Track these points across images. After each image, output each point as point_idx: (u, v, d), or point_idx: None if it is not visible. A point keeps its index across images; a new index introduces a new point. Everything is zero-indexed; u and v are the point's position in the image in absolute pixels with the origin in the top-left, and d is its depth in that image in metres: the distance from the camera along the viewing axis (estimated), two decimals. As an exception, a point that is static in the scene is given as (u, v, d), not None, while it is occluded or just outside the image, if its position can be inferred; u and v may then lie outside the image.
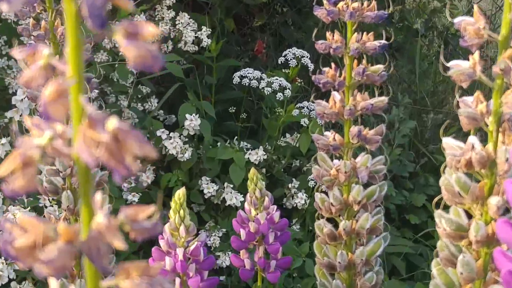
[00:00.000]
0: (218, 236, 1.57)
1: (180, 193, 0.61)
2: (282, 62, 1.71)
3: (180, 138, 1.67)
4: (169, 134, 1.66)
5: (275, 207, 0.69)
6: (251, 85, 1.68)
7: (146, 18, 1.90)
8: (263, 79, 1.68)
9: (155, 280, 0.25)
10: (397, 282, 1.41)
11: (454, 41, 2.15)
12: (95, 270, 0.24)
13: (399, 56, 2.15)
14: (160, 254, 0.58)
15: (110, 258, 0.23)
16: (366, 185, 0.61)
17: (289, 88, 1.66)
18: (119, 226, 0.25)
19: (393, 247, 1.61)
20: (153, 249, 0.58)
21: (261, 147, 1.67)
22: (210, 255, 0.60)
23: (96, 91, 1.64)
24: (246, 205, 0.71)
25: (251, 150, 1.68)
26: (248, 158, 1.64)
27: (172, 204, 0.61)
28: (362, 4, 0.61)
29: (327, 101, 0.63)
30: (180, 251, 0.57)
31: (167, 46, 1.92)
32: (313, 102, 0.62)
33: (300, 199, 1.64)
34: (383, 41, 0.59)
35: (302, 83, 1.75)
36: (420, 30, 2.15)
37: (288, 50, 1.71)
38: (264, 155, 1.65)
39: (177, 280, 0.57)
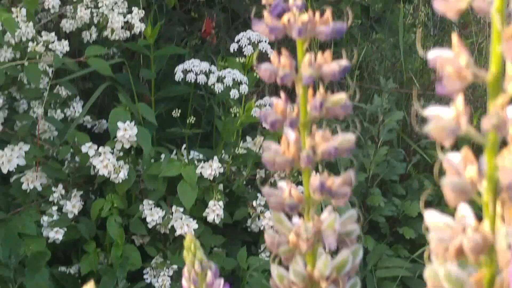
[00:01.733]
0: (168, 276, 1.53)
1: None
2: (236, 49, 1.66)
3: (112, 154, 1.61)
4: (98, 149, 1.60)
5: (222, 281, 0.64)
6: (198, 81, 1.63)
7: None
8: (213, 73, 1.63)
9: None
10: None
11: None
12: None
13: (378, 28, 2.11)
14: None
15: None
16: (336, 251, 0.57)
17: (245, 83, 1.61)
18: None
19: (386, 270, 1.59)
20: None
21: (215, 157, 1.62)
22: None
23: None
24: (184, 282, 0.66)
25: (204, 163, 1.63)
26: (201, 172, 1.60)
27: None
28: (314, 15, 0.56)
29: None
30: None
31: (90, 34, 1.85)
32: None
33: (268, 220, 1.60)
34: (344, 63, 0.55)
35: (261, 73, 1.70)
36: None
37: (242, 34, 1.66)
38: (220, 167, 1.61)
39: None
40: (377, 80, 1.93)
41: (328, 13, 0.57)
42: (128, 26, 1.82)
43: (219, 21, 2.17)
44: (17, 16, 1.64)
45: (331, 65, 0.56)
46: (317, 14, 0.57)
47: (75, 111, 1.79)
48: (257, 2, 2.20)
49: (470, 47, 2.19)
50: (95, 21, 1.83)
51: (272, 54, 0.58)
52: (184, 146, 1.71)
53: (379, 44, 2.10)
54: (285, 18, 0.55)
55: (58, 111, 1.77)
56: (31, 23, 1.66)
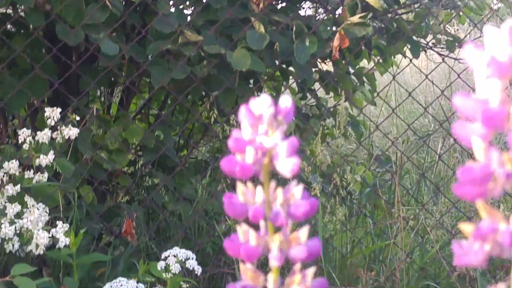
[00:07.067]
0: None
1: None
2: (162, 267, 1.70)
3: None
4: None
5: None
6: (126, 301, 1.65)
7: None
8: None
9: None
10: None
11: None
12: None
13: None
14: None
15: None
16: None
17: (174, 303, 1.64)
18: None
19: None
20: None
21: None
22: None
23: None
24: None
25: None
26: None
27: None
28: None
29: None
30: None
31: (12, 245, 1.84)
32: None
33: None
34: None
35: (189, 290, 1.74)
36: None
37: (169, 251, 1.71)
38: None
39: None
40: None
41: None
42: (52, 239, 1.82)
43: (139, 218, 2.22)
44: None
45: None
46: None
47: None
48: (178, 200, 2.22)
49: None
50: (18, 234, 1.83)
51: None
52: None
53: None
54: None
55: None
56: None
